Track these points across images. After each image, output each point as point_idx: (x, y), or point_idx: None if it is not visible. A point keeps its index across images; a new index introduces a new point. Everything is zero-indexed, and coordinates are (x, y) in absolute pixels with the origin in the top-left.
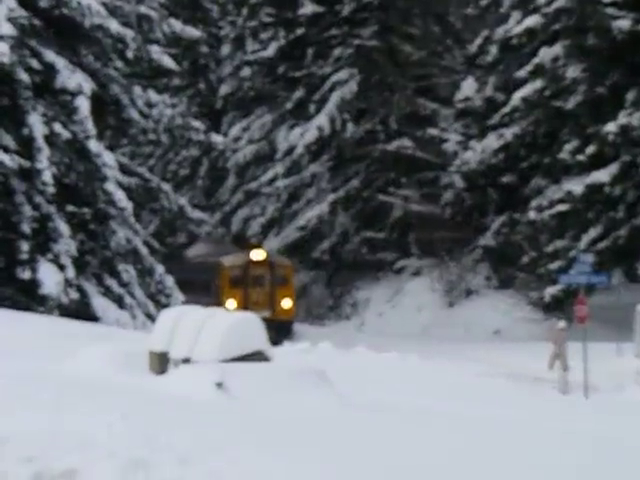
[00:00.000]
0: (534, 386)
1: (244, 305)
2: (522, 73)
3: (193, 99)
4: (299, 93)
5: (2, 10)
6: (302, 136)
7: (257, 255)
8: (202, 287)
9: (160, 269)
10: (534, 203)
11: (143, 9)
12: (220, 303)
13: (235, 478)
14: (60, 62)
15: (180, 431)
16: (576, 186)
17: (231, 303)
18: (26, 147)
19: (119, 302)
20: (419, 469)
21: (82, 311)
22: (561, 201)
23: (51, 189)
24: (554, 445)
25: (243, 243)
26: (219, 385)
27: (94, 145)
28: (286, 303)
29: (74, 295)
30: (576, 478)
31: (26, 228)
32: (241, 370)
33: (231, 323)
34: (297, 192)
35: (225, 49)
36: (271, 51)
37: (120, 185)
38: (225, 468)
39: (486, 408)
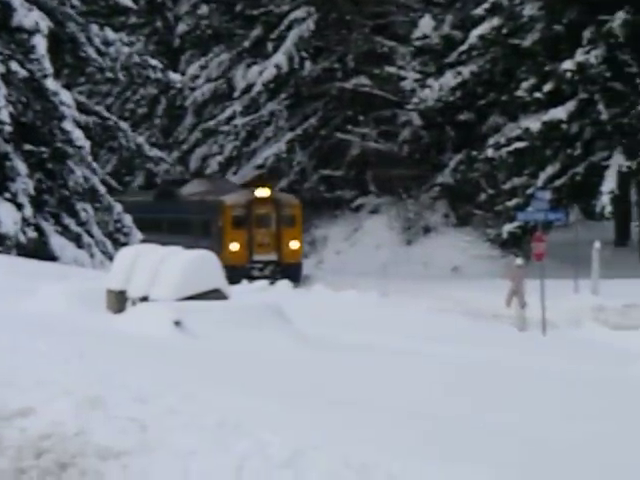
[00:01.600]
0: (492, 323)
1: (248, 247)
2: (479, 11)
3: (150, 37)
4: (257, 31)
5: None
6: (260, 74)
7: (262, 192)
8: (200, 228)
9: (118, 208)
10: (491, 141)
11: None
12: (221, 245)
13: (191, 414)
14: (16, 0)
15: (137, 369)
16: (533, 123)
17: (234, 245)
18: None
19: (77, 241)
20: (366, 403)
21: (40, 250)
22: (518, 138)
23: (8, 128)
24: (510, 380)
25: (245, 180)
26: (177, 323)
27: (51, 84)
28: (294, 245)
29: (32, 234)
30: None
31: None
32: (198, 308)
33: (188, 261)
34: (255, 130)
35: None
36: None
37: (78, 124)
38: (181, 405)
39: (443, 345)
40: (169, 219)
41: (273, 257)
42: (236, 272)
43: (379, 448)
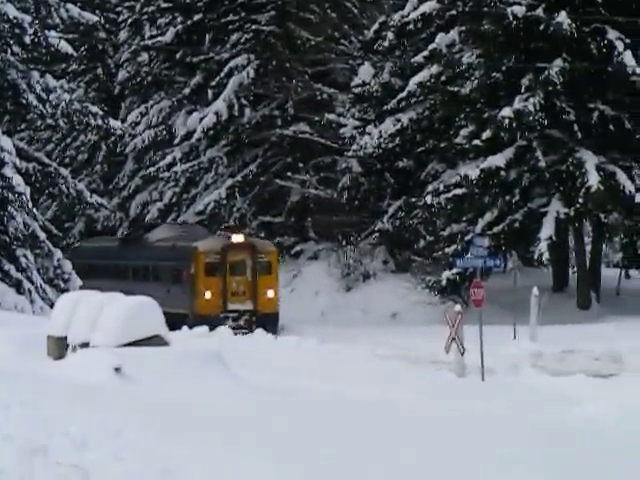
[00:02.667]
0: (431, 369)
1: (222, 296)
2: (418, 58)
3: (91, 84)
4: (197, 78)
5: None
6: (200, 121)
7: (237, 238)
8: (170, 275)
9: (58, 254)
10: (430, 187)
11: None
12: (194, 293)
13: (133, 462)
14: None
15: (78, 416)
16: (472, 170)
17: (207, 294)
18: None
19: (17, 287)
20: (313, 450)
21: None
22: (457, 185)
23: None
24: (452, 425)
25: (215, 226)
26: (117, 370)
27: None
28: (270, 293)
29: None
30: (472, 453)
31: None
32: (139, 354)
33: (128, 307)
34: (195, 177)
35: (123, 34)
36: (169, 36)
37: (18, 170)
38: (123, 452)
39: (383, 391)
40: (136, 266)
41: (249, 306)
42: (209, 322)
43: None
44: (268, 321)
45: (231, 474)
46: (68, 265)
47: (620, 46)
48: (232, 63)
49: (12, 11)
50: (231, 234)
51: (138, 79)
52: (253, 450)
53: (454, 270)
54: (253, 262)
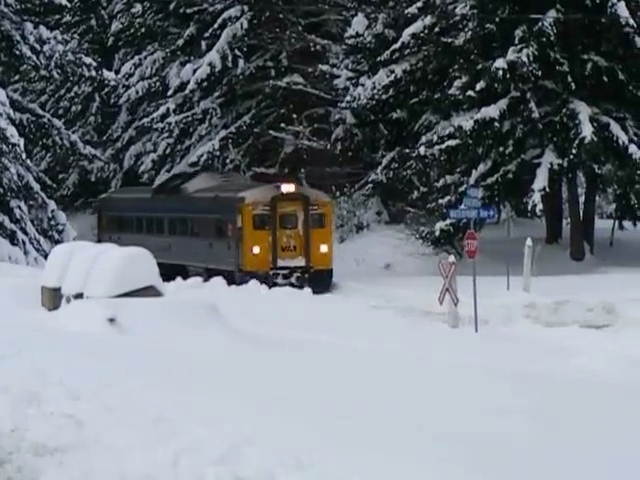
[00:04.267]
0: (425, 320)
1: (272, 252)
2: (412, 10)
3: (85, 35)
4: (191, 29)
5: None
6: (194, 73)
7: (288, 188)
8: (213, 229)
9: (52, 205)
10: (424, 138)
11: None
12: (240, 249)
13: (127, 411)
14: None
15: (72, 366)
16: (465, 122)
17: (255, 249)
18: None
19: (11, 238)
20: (299, 399)
21: None
22: (451, 136)
23: None
24: (443, 376)
25: (259, 175)
26: (111, 320)
27: None
28: (324, 248)
29: None
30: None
31: None
32: (133, 305)
33: (122, 258)
34: (189, 128)
35: None
36: None
37: (12, 121)
38: (116, 402)
39: (377, 342)
40: (173, 219)
41: (300, 262)
42: (257, 279)
43: (313, 444)
44: (321, 278)
45: (226, 422)
46: (62, 216)
47: None
48: (225, 14)
49: None
50: (280, 183)
51: (132, 30)
52: (243, 398)
53: (448, 221)
54: (305, 214)
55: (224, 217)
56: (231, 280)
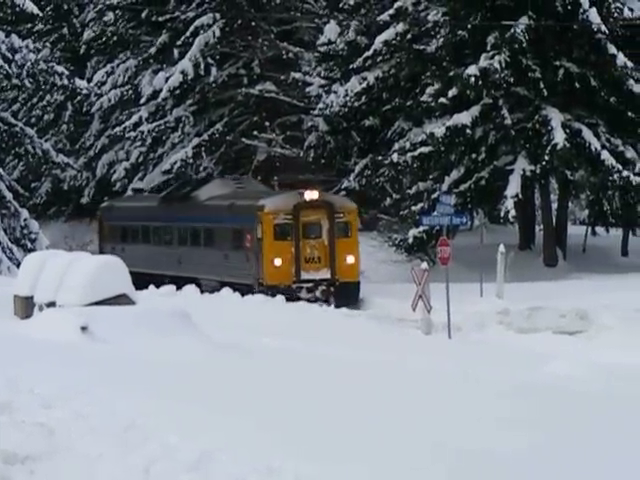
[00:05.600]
0: (398, 327)
1: (295, 264)
2: (384, 17)
3: (57, 44)
4: (163, 37)
5: None
6: (166, 80)
7: (311, 195)
8: (229, 240)
9: (25, 214)
10: (397, 145)
11: None
12: (260, 261)
13: (99, 419)
14: None
15: (44, 374)
16: (438, 128)
17: (277, 261)
18: None
19: None
20: (271, 406)
21: None
22: (423, 143)
23: None
24: (418, 384)
25: (274, 182)
26: (84, 328)
27: None
28: (350, 259)
29: None
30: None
31: None
32: (105, 313)
33: (95, 267)
34: (161, 136)
35: None
36: None
37: None
38: (88, 410)
39: (350, 349)
40: (183, 229)
41: (325, 275)
42: (280, 294)
43: (285, 451)
44: (348, 291)
45: (198, 430)
46: (35, 225)
47: (585, 3)
48: (198, 22)
49: None
50: (303, 190)
51: (104, 39)
52: (215, 405)
53: (421, 228)
54: (330, 223)
55: (242, 226)
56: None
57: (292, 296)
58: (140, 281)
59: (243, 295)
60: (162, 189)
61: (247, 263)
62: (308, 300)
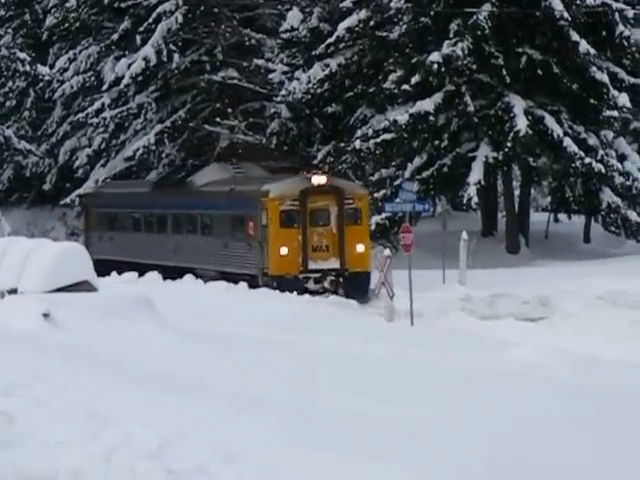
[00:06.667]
0: (361, 313)
1: (302, 253)
2: (347, 3)
3: (19, 30)
4: (125, 24)
5: None
6: (128, 67)
7: (319, 179)
8: (230, 227)
9: None
10: (359, 132)
11: None
12: (265, 250)
13: (59, 406)
14: None
15: (5, 362)
16: (401, 115)
17: (283, 250)
18: None
19: None
20: (238, 394)
21: None
22: (386, 130)
23: None
24: (381, 370)
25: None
26: (45, 315)
27: None
28: (360, 247)
29: None
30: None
31: None
32: (67, 300)
33: (56, 253)
34: (124, 123)
35: None
36: None
37: None
38: (50, 397)
39: (312, 336)
40: (177, 216)
41: (334, 264)
42: (286, 284)
43: (246, 438)
44: (358, 282)
45: (159, 417)
46: None
47: None
48: (160, 8)
49: None
50: (311, 174)
51: (66, 25)
52: (176, 393)
53: (383, 215)
54: (339, 209)
55: (244, 213)
56: (253, 285)
57: (298, 287)
58: (130, 272)
59: (249, 285)
60: (124, 176)
61: (250, 252)
62: (316, 291)
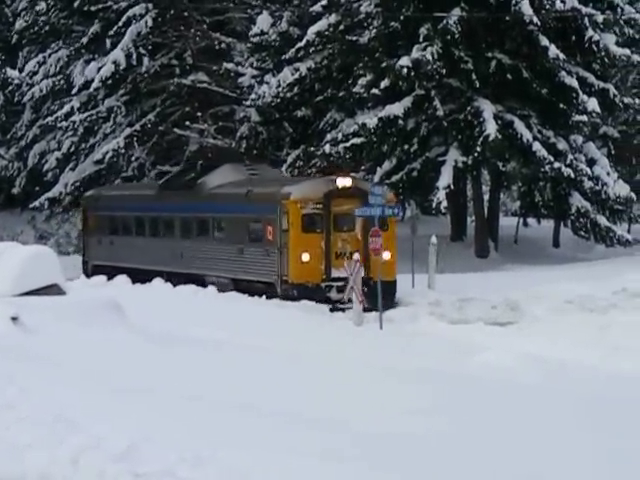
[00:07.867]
0: (330, 317)
1: (325, 260)
2: (317, 7)
3: None
4: (95, 27)
5: None
6: (98, 71)
7: (344, 182)
8: (246, 232)
9: None
10: (329, 136)
11: None
12: (285, 257)
13: (27, 409)
14: None
15: None
16: (370, 119)
17: (305, 256)
18: None
19: None
20: (208, 398)
21: None
22: (355, 134)
23: None
24: (350, 375)
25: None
26: (14, 319)
27: None
28: (387, 255)
29: None
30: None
31: None
32: (36, 304)
33: (25, 257)
34: (93, 126)
35: None
36: None
37: None
38: (17, 399)
39: (280, 341)
40: (187, 219)
41: None
42: (307, 293)
43: (215, 441)
44: (384, 292)
45: (127, 420)
46: None
47: None
48: (130, 12)
49: None
50: (335, 176)
51: (36, 28)
52: (144, 396)
53: None
54: None
55: (261, 217)
56: (271, 294)
57: (320, 296)
58: (131, 278)
59: (266, 294)
60: (94, 179)
61: (268, 258)
62: (338, 301)
